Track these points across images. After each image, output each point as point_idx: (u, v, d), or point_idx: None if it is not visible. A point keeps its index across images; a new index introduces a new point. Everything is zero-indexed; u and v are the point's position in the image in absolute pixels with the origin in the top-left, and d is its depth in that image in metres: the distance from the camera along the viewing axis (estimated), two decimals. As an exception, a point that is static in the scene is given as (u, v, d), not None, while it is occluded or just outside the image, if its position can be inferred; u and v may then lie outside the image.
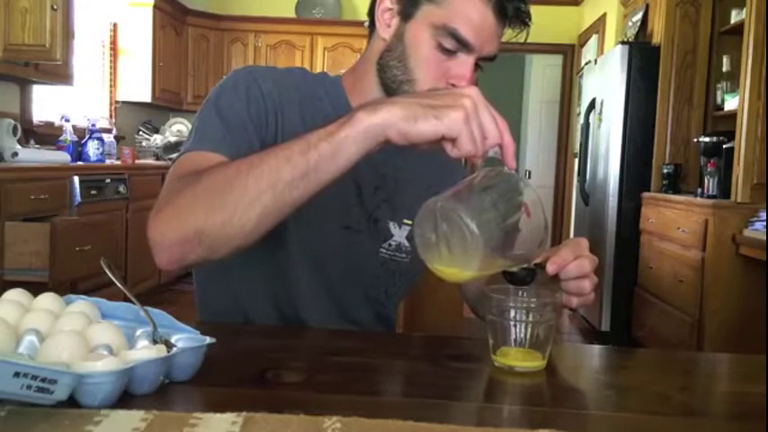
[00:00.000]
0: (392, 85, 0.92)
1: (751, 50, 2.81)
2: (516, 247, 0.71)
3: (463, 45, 0.87)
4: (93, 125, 3.91)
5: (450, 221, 0.66)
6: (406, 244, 1.02)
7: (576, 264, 0.80)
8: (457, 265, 0.70)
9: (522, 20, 0.89)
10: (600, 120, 4.01)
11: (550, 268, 0.79)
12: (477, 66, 0.90)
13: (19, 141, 3.33)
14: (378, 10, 0.93)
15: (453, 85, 0.89)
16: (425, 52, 0.88)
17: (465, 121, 0.67)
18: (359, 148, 0.69)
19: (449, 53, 0.88)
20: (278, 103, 0.92)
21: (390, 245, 1.01)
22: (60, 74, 3.53)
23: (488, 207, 0.68)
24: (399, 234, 1.02)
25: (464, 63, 0.88)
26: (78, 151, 3.80)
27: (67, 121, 3.81)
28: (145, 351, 0.61)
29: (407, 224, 1.02)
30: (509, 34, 0.91)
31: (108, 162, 4.01)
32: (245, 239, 0.74)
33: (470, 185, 0.70)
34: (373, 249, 1.00)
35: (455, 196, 0.68)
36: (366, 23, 0.99)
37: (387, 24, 0.92)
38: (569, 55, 6.16)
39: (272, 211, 0.72)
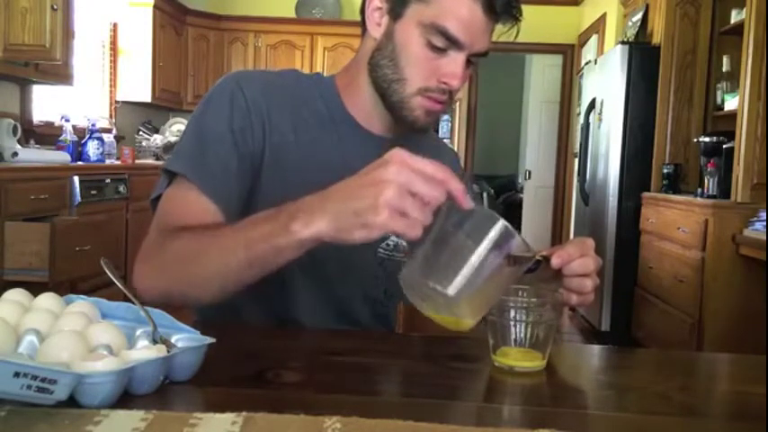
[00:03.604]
0: (383, 84, 0.92)
1: (751, 50, 2.81)
2: (504, 277, 0.69)
3: (453, 42, 0.87)
4: (93, 125, 3.90)
5: (427, 293, 0.66)
6: (404, 243, 1.02)
7: (580, 261, 0.80)
8: (453, 318, 0.69)
9: (512, 14, 0.88)
10: (600, 120, 4.01)
11: (555, 261, 0.79)
12: (469, 62, 0.90)
13: (19, 141, 3.33)
14: (368, 9, 0.93)
15: (445, 83, 0.89)
16: (415, 51, 0.88)
17: (392, 215, 0.63)
18: (297, 253, 0.72)
19: (439, 51, 0.87)
20: (264, 110, 0.92)
21: (388, 245, 1.01)
22: (60, 74, 3.53)
23: (460, 259, 0.65)
24: None
25: (455, 60, 0.88)
26: (78, 151, 3.80)
27: (67, 121, 3.81)
28: (145, 351, 0.61)
29: None
30: (500, 30, 0.90)
31: (108, 162, 4.01)
32: (215, 300, 0.82)
33: (438, 237, 0.67)
34: (371, 249, 1.00)
35: (424, 264, 0.66)
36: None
37: (377, 23, 0.92)
38: (569, 55, 6.15)
39: (231, 284, 0.78)
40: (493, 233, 0.65)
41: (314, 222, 0.68)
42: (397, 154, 0.65)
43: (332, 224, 0.67)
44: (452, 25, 0.86)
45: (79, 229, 2.95)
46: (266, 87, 0.95)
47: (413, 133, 0.98)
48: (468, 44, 0.87)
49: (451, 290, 0.64)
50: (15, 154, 3.19)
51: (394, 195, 0.63)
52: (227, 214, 0.89)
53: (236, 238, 0.74)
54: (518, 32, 0.90)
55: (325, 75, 1.04)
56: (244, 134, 0.91)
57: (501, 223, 0.65)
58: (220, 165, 0.89)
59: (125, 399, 0.58)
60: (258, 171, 0.93)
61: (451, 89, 0.90)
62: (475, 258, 0.65)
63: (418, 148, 1.05)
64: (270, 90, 0.95)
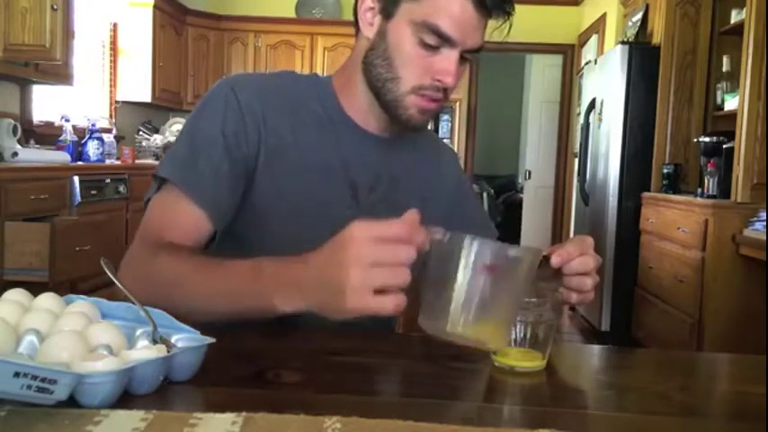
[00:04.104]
0: (377, 84, 0.92)
1: (751, 50, 2.81)
2: (505, 288, 0.68)
3: (445, 40, 0.86)
4: (93, 125, 3.91)
5: (442, 336, 0.66)
6: None
7: (579, 260, 0.80)
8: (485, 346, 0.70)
9: (504, 9, 0.88)
10: (600, 120, 4.01)
11: (555, 261, 0.79)
12: (463, 58, 0.89)
13: (19, 141, 3.33)
14: (360, 9, 0.93)
15: (439, 81, 0.88)
16: (408, 49, 0.88)
17: (363, 298, 0.62)
18: (279, 315, 0.72)
19: (432, 49, 0.87)
20: (259, 114, 0.92)
21: None
22: (60, 74, 3.53)
23: (449, 293, 0.65)
24: None
25: (448, 58, 0.88)
26: (78, 151, 3.80)
27: (67, 121, 3.81)
28: (145, 351, 0.61)
29: None
30: (493, 26, 0.90)
31: (108, 162, 4.01)
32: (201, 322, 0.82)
33: (429, 278, 0.68)
34: None
35: (426, 308, 0.68)
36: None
37: (369, 23, 0.92)
38: (569, 55, 6.16)
39: (215, 318, 0.78)
40: (467, 255, 0.65)
41: (294, 303, 0.68)
42: (356, 229, 0.64)
43: (311, 306, 0.67)
44: (444, 23, 0.85)
45: (79, 229, 2.95)
46: (262, 90, 0.95)
47: (409, 132, 0.98)
48: (461, 41, 0.87)
49: (456, 328, 0.65)
50: (15, 154, 3.19)
51: (358, 278, 0.62)
52: (215, 219, 0.89)
53: (220, 287, 0.75)
54: (510, 27, 0.89)
55: (323, 75, 1.04)
56: (237, 138, 0.91)
57: (472, 242, 0.66)
58: (210, 170, 0.89)
59: (125, 399, 0.57)
60: (253, 174, 0.93)
61: (446, 86, 0.89)
62: (460, 288, 0.66)
63: (416, 147, 1.06)
64: (265, 93, 0.95)
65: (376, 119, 0.98)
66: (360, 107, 0.98)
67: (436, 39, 0.86)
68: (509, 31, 0.90)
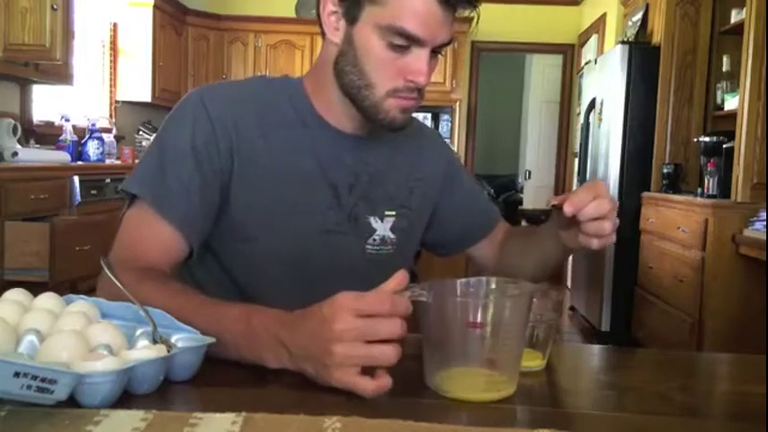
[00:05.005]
0: (352, 90, 0.90)
1: (751, 50, 2.81)
2: (511, 340, 0.66)
3: (413, 40, 0.85)
4: (93, 125, 3.91)
5: (453, 398, 0.66)
6: (391, 236, 1.01)
7: (594, 204, 0.79)
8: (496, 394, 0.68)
9: (469, 1, 0.86)
10: (600, 120, 4.01)
11: (568, 209, 0.78)
12: (434, 53, 0.88)
13: (19, 141, 3.33)
14: (323, 13, 0.90)
15: (412, 81, 0.87)
16: (377, 53, 0.86)
17: (347, 374, 0.62)
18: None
19: (401, 50, 0.85)
20: (230, 124, 0.91)
21: (375, 240, 1.00)
22: (60, 74, 3.53)
23: (457, 359, 0.66)
24: (382, 227, 1.00)
25: (418, 58, 0.86)
26: (78, 151, 3.80)
27: (67, 120, 3.81)
28: (145, 351, 0.61)
29: (389, 215, 1.01)
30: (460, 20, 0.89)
31: (108, 162, 4.02)
32: None
33: (429, 341, 0.68)
34: (358, 248, 0.99)
35: (430, 370, 0.67)
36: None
37: (335, 28, 0.90)
38: (569, 55, 6.15)
39: None
40: (452, 315, 0.65)
41: (283, 362, 0.67)
42: (340, 304, 0.63)
43: (300, 371, 0.66)
44: (410, 24, 0.83)
45: (79, 229, 2.95)
46: (232, 100, 0.93)
47: (394, 132, 0.95)
48: (430, 39, 0.85)
49: (461, 391, 0.65)
50: (15, 154, 3.19)
51: (342, 355, 0.61)
52: (190, 237, 0.88)
53: (207, 327, 0.69)
54: (478, 19, 0.88)
55: (294, 77, 1.01)
56: (208, 150, 0.89)
57: (455, 300, 0.66)
58: (180, 185, 0.87)
59: (125, 399, 0.58)
60: (228, 185, 0.91)
61: (419, 86, 0.88)
62: (452, 350, 0.66)
63: (396, 140, 1.04)
64: (236, 102, 0.93)
65: (351, 120, 0.96)
66: (334, 109, 0.96)
67: (404, 40, 0.85)
68: (477, 22, 0.88)
